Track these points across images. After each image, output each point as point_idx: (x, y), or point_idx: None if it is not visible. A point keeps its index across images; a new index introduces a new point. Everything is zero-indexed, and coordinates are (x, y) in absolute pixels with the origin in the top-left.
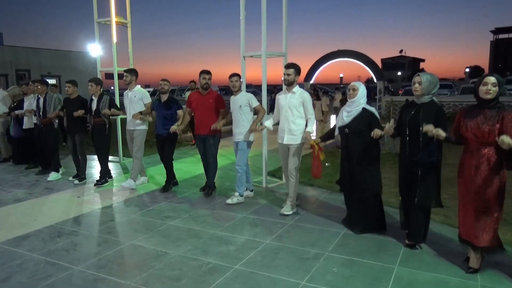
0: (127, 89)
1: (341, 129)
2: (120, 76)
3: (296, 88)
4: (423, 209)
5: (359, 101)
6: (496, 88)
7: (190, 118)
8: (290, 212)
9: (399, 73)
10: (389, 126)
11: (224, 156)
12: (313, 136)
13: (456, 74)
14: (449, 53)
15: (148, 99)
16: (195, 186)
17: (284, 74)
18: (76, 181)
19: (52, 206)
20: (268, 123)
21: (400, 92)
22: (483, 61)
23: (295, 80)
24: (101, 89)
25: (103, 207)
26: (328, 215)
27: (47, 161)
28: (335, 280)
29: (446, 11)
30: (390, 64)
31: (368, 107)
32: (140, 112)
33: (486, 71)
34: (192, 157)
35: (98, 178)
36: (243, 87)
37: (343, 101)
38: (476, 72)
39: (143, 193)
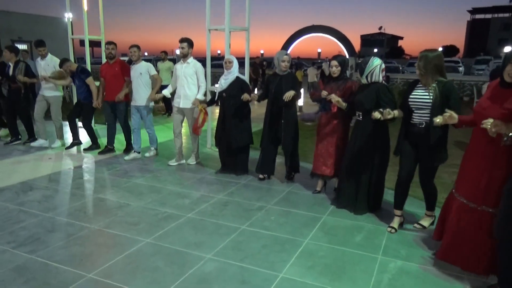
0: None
1: (220, 93)
2: (92, 44)
3: (191, 59)
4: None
5: (234, 71)
6: (339, 68)
7: (103, 88)
8: (194, 162)
9: (375, 50)
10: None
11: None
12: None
13: None
14: (427, 31)
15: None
16: (161, 152)
17: (179, 47)
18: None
19: (24, 165)
20: (166, 91)
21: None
22: (460, 40)
23: (189, 52)
24: (17, 56)
25: (73, 167)
26: (278, 177)
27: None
28: (270, 226)
29: None
30: (369, 40)
31: (241, 76)
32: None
33: (462, 50)
34: (162, 126)
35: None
36: (208, 60)
37: (323, 76)
38: (450, 51)
39: (111, 155)
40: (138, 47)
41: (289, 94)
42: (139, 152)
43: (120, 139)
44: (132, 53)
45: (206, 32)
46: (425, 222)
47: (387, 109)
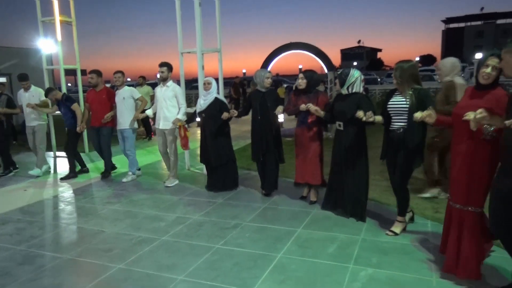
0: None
1: (200, 114)
2: (67, 73)
3: (170, 83)
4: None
5: (212, 92)
6: (305, 80)
7: (88, 113)
8: (174, 184)
9: (355, 63)
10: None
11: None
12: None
13: None
14: (405, 42)
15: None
16: (142, 175)
17: (159, 71)
18: None
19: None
20: (149, 111)
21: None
22: (437, 49)
23: (168, 76)
24: None
25: (48, 197)
26: (254, 193)
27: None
28: (244, 243)
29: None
30: (349, 54)
31: (219, 97)
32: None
33: (439, 59)
34: (142, 150)
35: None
36: (182, 82)
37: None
38: (427, 60)
39: (88, 183)
40: (122, 72)
41: (280, 108)
42: (134, 173)
43: (99, 166)
44: (116, 78)
45: (179, 56)
46: (397, 229)
47: (370, 112)
